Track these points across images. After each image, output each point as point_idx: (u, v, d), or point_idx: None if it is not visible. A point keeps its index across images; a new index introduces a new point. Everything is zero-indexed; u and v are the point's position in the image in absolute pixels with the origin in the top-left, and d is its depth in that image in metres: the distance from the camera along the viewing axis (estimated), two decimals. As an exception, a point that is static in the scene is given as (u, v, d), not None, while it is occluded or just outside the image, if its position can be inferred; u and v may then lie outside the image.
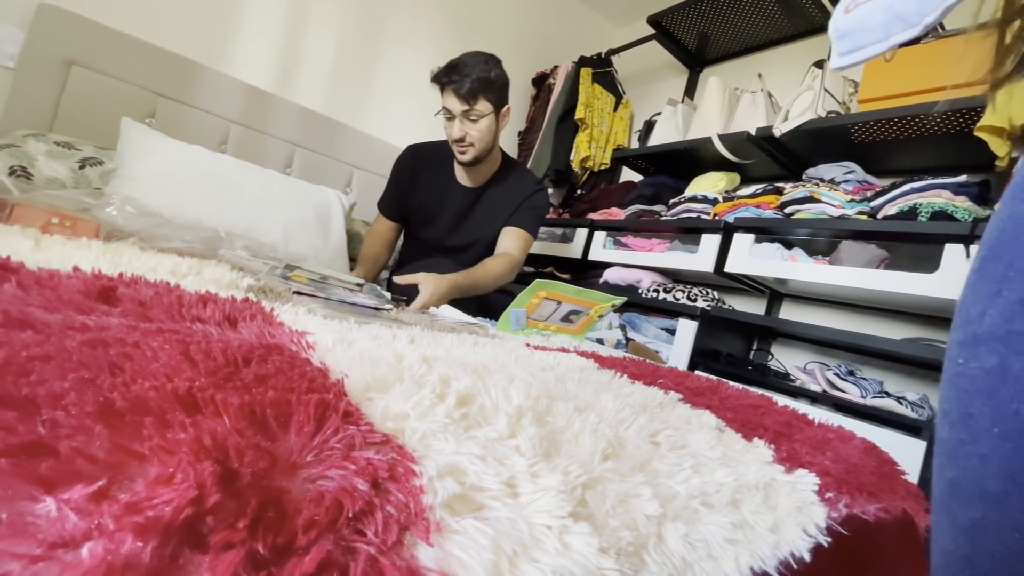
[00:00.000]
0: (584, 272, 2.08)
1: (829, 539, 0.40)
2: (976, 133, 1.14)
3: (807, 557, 0.37)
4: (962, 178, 1.19)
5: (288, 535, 0.18)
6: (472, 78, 1.31)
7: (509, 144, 2.48)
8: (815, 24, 1.85)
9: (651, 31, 2.14)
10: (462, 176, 1.51)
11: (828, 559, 0.41)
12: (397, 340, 0.50)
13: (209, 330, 0.34)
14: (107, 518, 0.15)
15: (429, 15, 2.16)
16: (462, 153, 1.40)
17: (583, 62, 2.29)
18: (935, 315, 1.38)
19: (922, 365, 1.36)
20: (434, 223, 1.52)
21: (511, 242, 1.47)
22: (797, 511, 0.39)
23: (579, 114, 2.20)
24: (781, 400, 0.78)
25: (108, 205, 0.77)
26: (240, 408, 0.21)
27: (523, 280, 1.42)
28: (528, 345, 0.79)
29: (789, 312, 1.73)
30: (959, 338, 0.21)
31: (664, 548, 0.28)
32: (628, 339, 1.77)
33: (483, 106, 1.34)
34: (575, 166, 2.26)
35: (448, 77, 1.33)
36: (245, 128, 1.70)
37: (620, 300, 1.12)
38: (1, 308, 0.24)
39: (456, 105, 1.33)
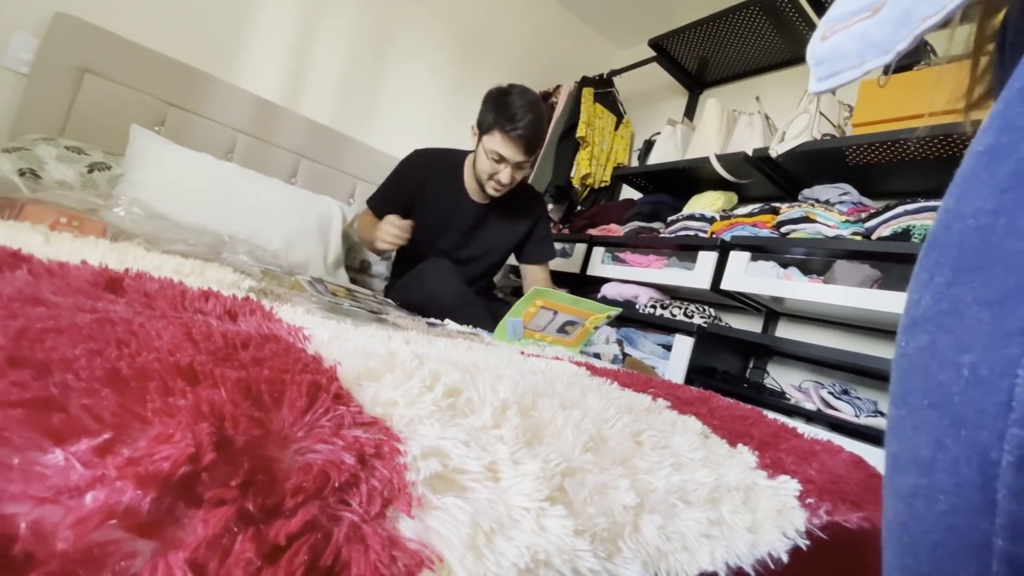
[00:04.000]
0: (582, 287, 2.10)
1: (808, 543, 0.40)
2: (966, 158, 1.16)
3: (785, 558, 0.37)
4: (953, 201, 1.21)
5: (277, 498, 0.19)
6: (534, 133, 1.33)
7: (511, 160, 2.51)
8: (812, 50, 1.89)
9: (652, 53, 2.20)
10: (473, 191, 1.53)
11: (808, 563, 0.42)
12: (392, 340, 0.52)
13: (210, 320, 0.35)
14: (110, 469, 0.16)
15: (437, 33, 2.22)
16: (497, 191, 1.43)
17: (585, 82, 2.34)
18: (929, 336, 1.39)
19: (916, 386, 1.37)
20: (443, 235, 1.53)
21: (545, 279, 1.60)
22: (777, 514, 0.40)
23: (580, 132, 2.24)
24: (776, 417, 0.79)
25: (116, 206, 0.79)
26: (237, 382, 0.22)
27: (519, 292, 1.44)
28: (522, 353, 0.80)
29: (785, 331, 1.74)
30: (903, 323, 0.23)
31: (639, 537, 0.29)
32: (625, 354, 1.77)
33: (534, 156, 1.39)
34: (575, 183, 2.29)
35: (513, 125, 1.31)
36: (252, 138, 1.74)
37: (615, 311, 1.14)
38: (16, 287, 0.26)
39: (517, 156, 1.34)
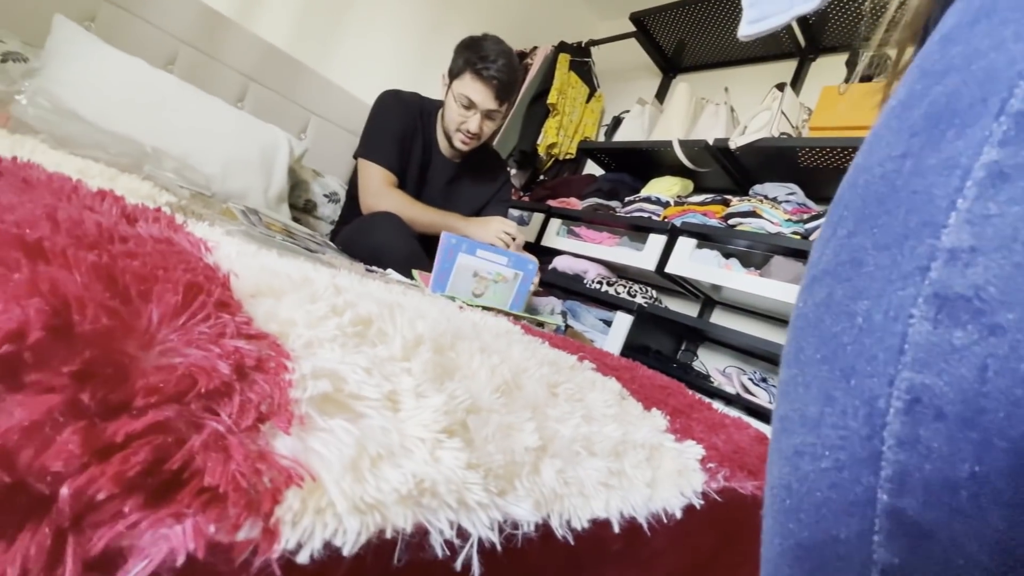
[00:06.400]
0: (535, 256, 2.10)
1: (703, 503, 0.42)
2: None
3: (679, 514, 0.39)
4: (886, 212, 1.28)
5: (124, 395, 0.17)
6: (507, 78, 1.28)
7: (478, 118, 2.44)
8: (784, 49, 1.92)
9: (633, 28, 2.16)
10: (444, 147, 1.48)
11: (702, 523, 0.44)
12: (315, 271, 0.49)
13: (95, 216, 0.31)
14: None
15: (413, -30, 2.08)
16: (465, 144, 1.38)
17: (563, 48, 2.28)
18: (845, 336, 1.49)
19: (827, 380, 1.47)
20: (423, 190, 1.46)
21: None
22: (677, 474, 0.42)
23: (552, 99, 2.19)
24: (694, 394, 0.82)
25: (18, 94, 0.70)
26: (94, 267, 0.19)
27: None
28: (460, 307, 0.79)
29: (719, 318, 1.81)
30: (803, 284, 0.22)
31: (537, 479, 0.28)
32: (567, 326, 1.80)
33: (505, 107, 1.34)
34: (541, 151, 2.26)
35: (484, 65, 1.25)
36: (197, 51, 1.58)
37: (555, 324, 1.16)
38: None
39: (488, 101, 1.29)
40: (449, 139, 1.41)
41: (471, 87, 1.29)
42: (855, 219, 0.20)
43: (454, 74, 1.33)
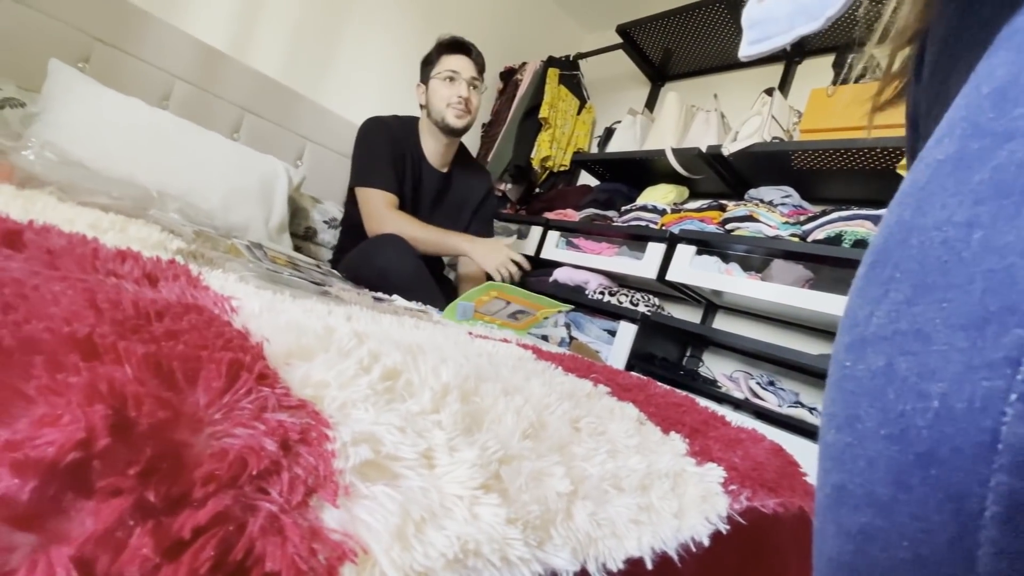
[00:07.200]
0: (535, 270, 2.11)
1: (728, 527, 0.43)
2: (898, 171, 1.24)
3: (706, 542, 0.39)
4: (882, 211, 1.29)
5: (184, 487, 0.18)
6: (478, 52, 1.45)
7: (472, 136, 2.46)
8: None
9: (619, 40, 2.19)
10: (433, 158, 1.52)
11: (726, 546, 0.44)
12: (332, 316, 0.49)
13: (124, 285, 0.32)
14: (-20, 455, 0.14)
15: (400, -6, 2.11)
16: (459, 117, 1.43)
17: (551, 62, 2.31)
18: (849, 335, 1.50)
19: (834, 380, 1.47)
20: (417, 210, 1.50)
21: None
22: (702, 500, 0.42)
23: (543, 113, 2.22)
24: (707, 405, 0.83)
25: (25, 148, 0.71)
26: (144, 358, 0.20)
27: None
28: (470, 334, 0.80)
29: (722, 323, 1.82)
30: (846, 341, 0.21)
31: (571, 524, 0.29)
32: (572, 338, 1.81)
33: (483, 80, 1.47)
34: (535, 164, 2.28)
35: (461, 43, 1.44)
36: (191, 86, 1.60)
37: (568, 308, 1.16)
38: None
39: (469, 69, 1.42)
40: (443, 125, 1.44)
41: (450, 61, 1.41)
42: (913, 285, 0.18)
43: (430, 65, 1.45)
